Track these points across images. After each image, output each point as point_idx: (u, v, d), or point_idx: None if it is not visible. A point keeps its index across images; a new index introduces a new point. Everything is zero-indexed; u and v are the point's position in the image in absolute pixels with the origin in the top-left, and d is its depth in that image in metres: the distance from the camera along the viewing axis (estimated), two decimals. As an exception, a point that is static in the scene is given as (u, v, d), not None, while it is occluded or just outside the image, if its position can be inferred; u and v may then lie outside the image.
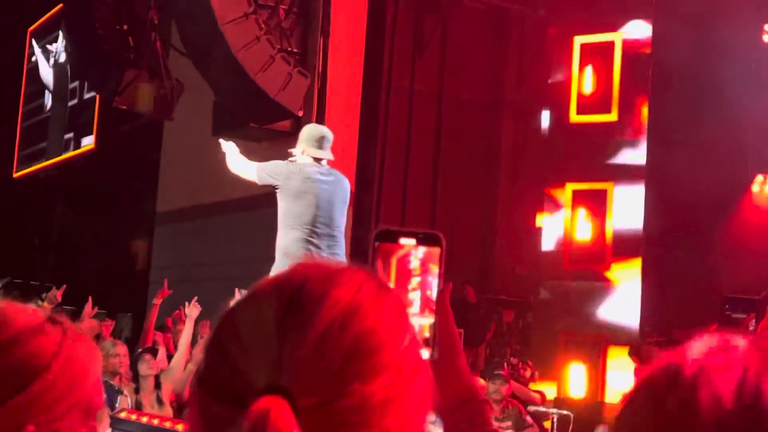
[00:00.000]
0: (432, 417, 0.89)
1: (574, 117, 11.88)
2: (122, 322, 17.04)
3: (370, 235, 1.14)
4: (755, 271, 9.96)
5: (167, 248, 13.70)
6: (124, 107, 10.46)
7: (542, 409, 8.31)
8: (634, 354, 9.82)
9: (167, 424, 4.80)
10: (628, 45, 11.54)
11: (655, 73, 11.38)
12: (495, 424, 1.16)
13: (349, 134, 10.74)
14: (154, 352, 6.88)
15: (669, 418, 0.80)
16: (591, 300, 11.57)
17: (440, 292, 1.14)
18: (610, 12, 11.78)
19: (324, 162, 5.91)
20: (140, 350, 7.00)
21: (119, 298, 17.01)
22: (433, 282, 1.15)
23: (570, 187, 11.83)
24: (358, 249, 10.70)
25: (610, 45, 11.63)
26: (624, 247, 11.41)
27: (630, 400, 0.85)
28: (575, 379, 11.11)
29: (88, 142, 14.64)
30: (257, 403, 0.75)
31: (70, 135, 15.22)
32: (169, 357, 7.29)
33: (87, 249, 19.06)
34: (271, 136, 9.92)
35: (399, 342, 0.81)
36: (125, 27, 10.52)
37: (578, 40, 11.90)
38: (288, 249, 5.74)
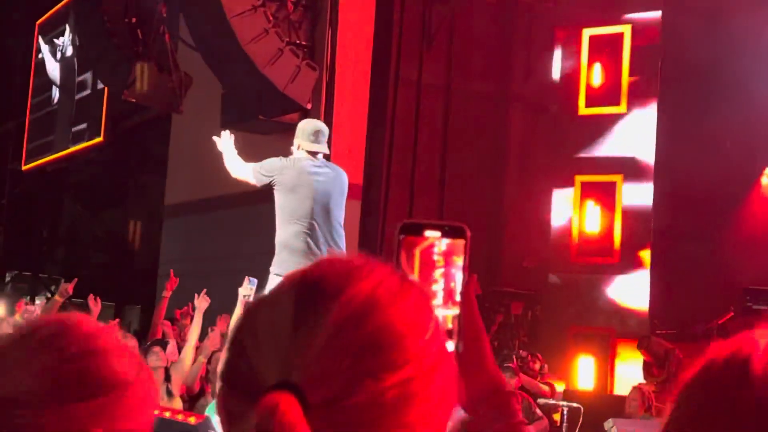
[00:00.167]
0: (458, 411, 0.88)
1: (583, 109, 11.87)
2: (130, 315, 17.12)
3: (395, 228, 1.14)
4: (765, 263, 9.94)
5: (176, 241, 13.72)
6: (133, 100, 10.47)
7: (552, 401, 8.30)
8: (643, 346, 9.81)
9: (179, 417, 4.82)
10: (637, 37, 11.51)
11: (665, 65, 11.35)
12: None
13: (358, 127, 10.74)
14: (163, 345, 6.89)
15: (744, 418, 0.78)
16: (599, 292, 11.57)
17: (465, 284, 1.13)
18: (618, 4, 11.75)
19: (320, 156, 5.92)
20: (149, 342, 7.01)
21: (127, 291, 17.08)
22: (457, 274, 1.15)
23: (579, 179, 11.82)
24: (367, 242, 10.71)
25: (619, 37, 11.60)
26: (633, 239, 11.40)
27: (690, 394, 0.83)
28: (584, 372, 11.11)
29: (96, 135, 14.66)
30: (266, 398, 0.75)
31: (78, 128, 15.25)
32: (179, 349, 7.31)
33: (95, 242, 19.12)
34: (280, 129, 9.92)
35: (420, 338, 0.81)
36: (134, 20, 10.52)
37: (587, 33, 11.88)
38: (287, 242, 5.76)
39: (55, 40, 16.46)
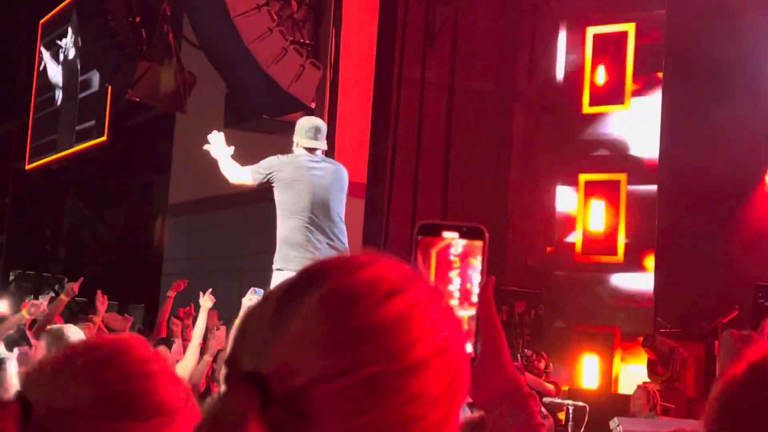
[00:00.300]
0: (463, 411, 0.87)
1: (587, 108, 11.85)
2: (134, 314, 17.10)
3: (412, 229, 1.14)
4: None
5: (179, 240, 13.73)
6: (137, 99, 10.48)
7: (557, 400, 8.29)
8: (648, 345, 9.80)
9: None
10: (641, 35, 11.49)
11: (669, 63, 11.33)
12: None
13: (361, 126, 10.75)
14: (169, 344, 6.90)
15: None
16: (604, 291, 11.56)
17: (483, 285, 1.13)
18: (622, 2, 11.73)
19: (318, 152, 5.94)
20: (154, 342, 7.01)
21: (131, 290, 17.08)
22: (473, 275, 1.15)
23: (583, 178, 11.81)
24: (370, 240, 10.71)
25: (623, 35, 11.58)
26: (637, 238, 11.39)
27: (735, 394, 0.83)
28: (588, 371, 11.10)
29: (100, 134, 14.67)
30: (229, 387, 0.76)
31: (82, 126, 15.25)
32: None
33: (99, 241, 19.12)
34: (284, 128, 9.90)
35: (406, 336, 0.78)
36: (137, 19, 10.54)
37: (591, 31, 11.86)
38: (287, 237, 5.77)
39: (58, 41, 16.46)
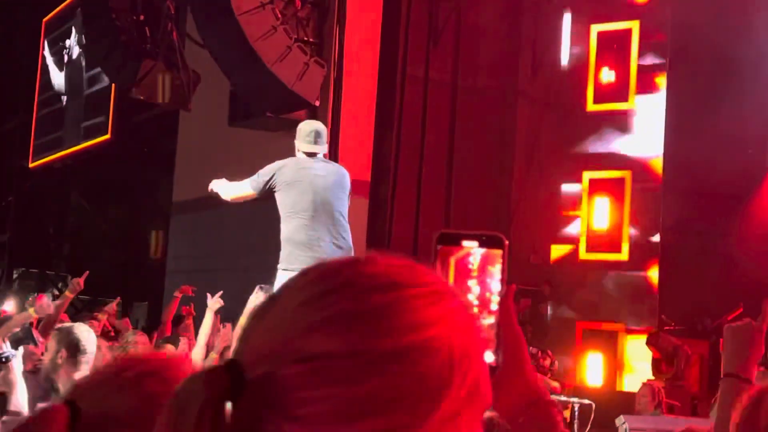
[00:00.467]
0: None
1: (591, 105, 11.84)
2: (138, 311, 17.13)
3: (432, 238, 1.14)
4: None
5: (183, 238, 13.74)
6: (141, 97, 10.48)
7: (563, 398, 8.30)
8: (652, 343, 9.81)
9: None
10: (645, 32, 11.48)
11: (673, 60, 11.32)
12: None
13: (365, 124, 10.75)
14: (174, 342, 6.91)
15: None
16: (608, 289, 11.56)
17: (503, 294, 1.13)
18: (626, -1, 11.72)
19: (319, 156, 5.97)
20: (161, 340, 7.02)
21: (135, 288, 17.10)
22: (492, 283, 1.15)
23: (587, 175, 11.81)
24: (375, 238, 10.71)
25: (628, 32, 11.57)
26: (641, 235, 11.39)
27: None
28: (592, 369, 11.10)
29: (104, 131, 14.67)
30: (197, 372, 0.76)
31: (88, 123, 15.26)
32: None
33: (103, 239, 19.13)
34: (288, 126, 9.90)
35: (385, 320, 0.75)
36: (142, 17, 10.54)
37: (595, 28, 11.85)
38: (290, 237, 5.79)
39: (61, 42, 16.45)
